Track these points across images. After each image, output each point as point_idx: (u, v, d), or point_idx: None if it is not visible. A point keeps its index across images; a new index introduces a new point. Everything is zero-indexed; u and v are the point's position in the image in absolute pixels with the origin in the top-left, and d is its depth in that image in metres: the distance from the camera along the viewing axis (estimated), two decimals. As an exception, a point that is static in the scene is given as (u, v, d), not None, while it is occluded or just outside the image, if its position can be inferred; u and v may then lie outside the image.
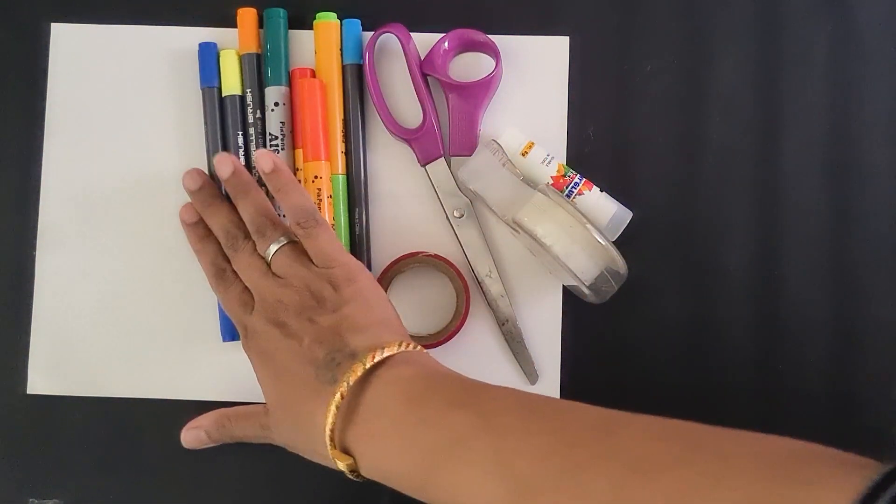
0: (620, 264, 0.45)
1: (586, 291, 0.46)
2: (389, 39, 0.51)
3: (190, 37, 0.51)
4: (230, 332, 0.49)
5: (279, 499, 0.49)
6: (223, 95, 0.50)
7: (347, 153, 0.50)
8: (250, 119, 0.50)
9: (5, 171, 0.51)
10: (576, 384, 0.49)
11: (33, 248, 0.50)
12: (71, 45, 0.51)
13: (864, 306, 0.50)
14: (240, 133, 0.50)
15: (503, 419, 0.37)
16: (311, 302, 0.43)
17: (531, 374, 0.49)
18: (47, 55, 0.51)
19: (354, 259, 0.45)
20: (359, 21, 0.51)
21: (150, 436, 0.49)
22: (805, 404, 0.49)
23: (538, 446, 0.35)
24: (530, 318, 0.50)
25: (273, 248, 0.45)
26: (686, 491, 0.31)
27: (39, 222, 0.51)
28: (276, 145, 0.49)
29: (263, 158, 0.46)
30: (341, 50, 0.50)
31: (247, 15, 0.51)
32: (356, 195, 0.50)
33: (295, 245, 0.45)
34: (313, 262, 0.44)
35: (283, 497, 0.49)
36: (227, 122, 0.50)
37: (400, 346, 0.41)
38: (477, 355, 0.50)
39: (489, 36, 0.50)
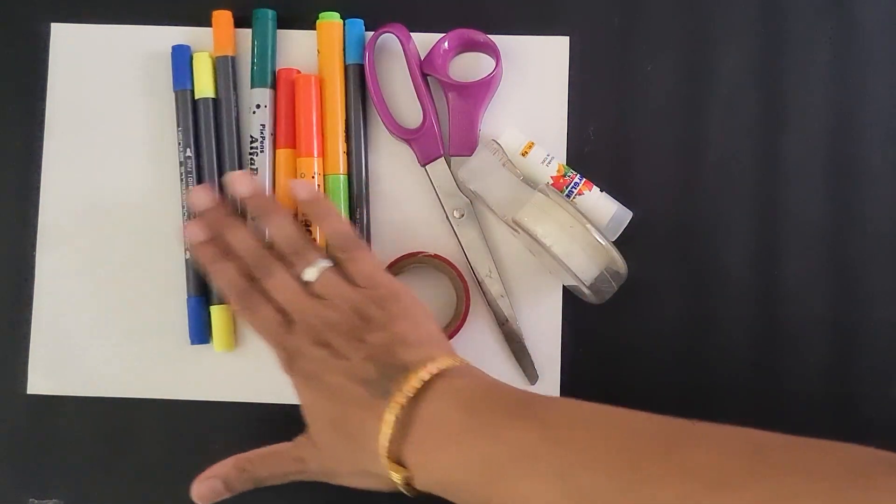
0: (620, 264, 0.45)
1: (586, 291, 0.46)
2: (389, 39, 0.51)
3: (191, 36, 0.51)
4: (198, 336, 0.49)
5: (279, 499, 0.49)
6: (196, 98, 0.50)
7: (349, 153, 0.50)
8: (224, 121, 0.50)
9: (5, 171, 0.51)
10: (576, 384, 0.49)
11: (33, 248, 0.50)
12: (71, 45, 0.51)
13: (863, 306, 0.50)
14: (213, 136, 0.50)
15: (567, 432, 0.36)
16: (359, 322, 0.43)
17: (531, 374, 0.49)
18: (47, 55, 0.51)
19: (396, 280, 0.45)
20: (362, 21, 0.51)
21: (150, 436, 0.49)
22: (805, 404, 0.49)
23: (603, 459, 0.34)
24: (530, 318, 0.50)
25: (313, 269, 0.45)
26: None
27: (39, 222, 0.51)
28: (256, 148, 0.49)
29: (299, 186, 0.47)
30: (343, 50, 0.51)
31: (222, 17, 0.50)
32: (357, 195, 0.50)
33: (335, 267, 0.45)
34: (355, 284, 0.44)
35: (283, 497, 0.49)
36: (199, 125, 0.50)
37: (452, 360, 0.41)
38: (477, 355, 0.49)
39: (489, 36, 0.50)
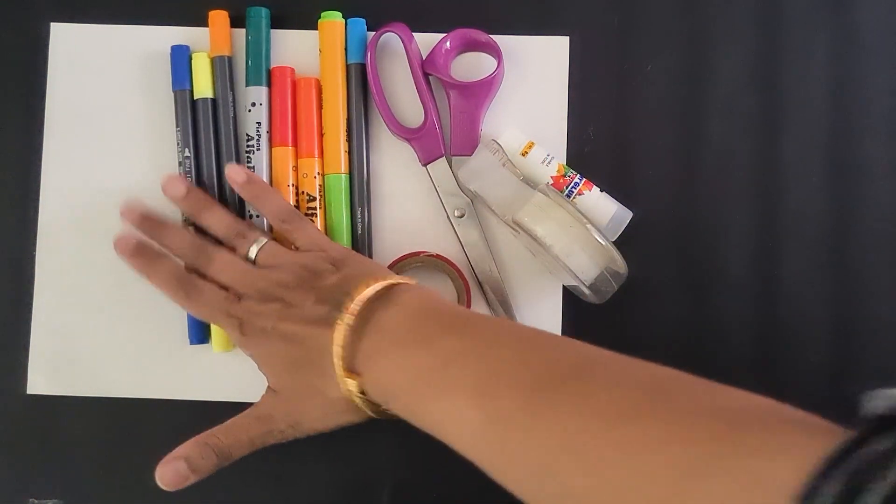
0: (620, 264, 0.45)
1: (586, 291, 0.46)
2: (391, 39, 0.51)
3: (190, 36, 0.51)
4: (198, 336, 0.49)
5: (279, 499, 0.49)
6: (194, 98, 0.50)
7: (350, 152, 0.50)
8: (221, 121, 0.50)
9: (5, 171, 0.51)
10: (576, 384, 0.49)
11: (33, 247, 0.50)
12: (70, 44, 0.51)
13: (864, 306, 0.50)
14: (211, 136, 0.50)
15: (492, 350, 0.38)
16: (309, 275, 0.44)
17: (531, 373, 0.49)
18: (47, 55, 0.51)
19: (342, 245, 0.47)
20: (363, 21, 0.51)
21: (150, 436, 0.49)
22: (805, 405, 0.49)
23: (518, 382, 0.36)
24: (530, 318, 0.50)
25: (256, 246, 0.46)
26: (636, 445, 0.31)
27: (39, 221, 0.50)
28: (252, 146, 0.50)
29: (235, 171, 0.48)
30: (345, 49, 0.50)
31: (218, 17, 0.50)
32: (358, 195, 0.50)
33: (276, 241, 0.47)
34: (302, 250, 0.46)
35: (284, 497, 0.49)
36: (198, 125, 0.50)
37: (404, 279, 0.43)
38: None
39: (490, 36, 0.50)
